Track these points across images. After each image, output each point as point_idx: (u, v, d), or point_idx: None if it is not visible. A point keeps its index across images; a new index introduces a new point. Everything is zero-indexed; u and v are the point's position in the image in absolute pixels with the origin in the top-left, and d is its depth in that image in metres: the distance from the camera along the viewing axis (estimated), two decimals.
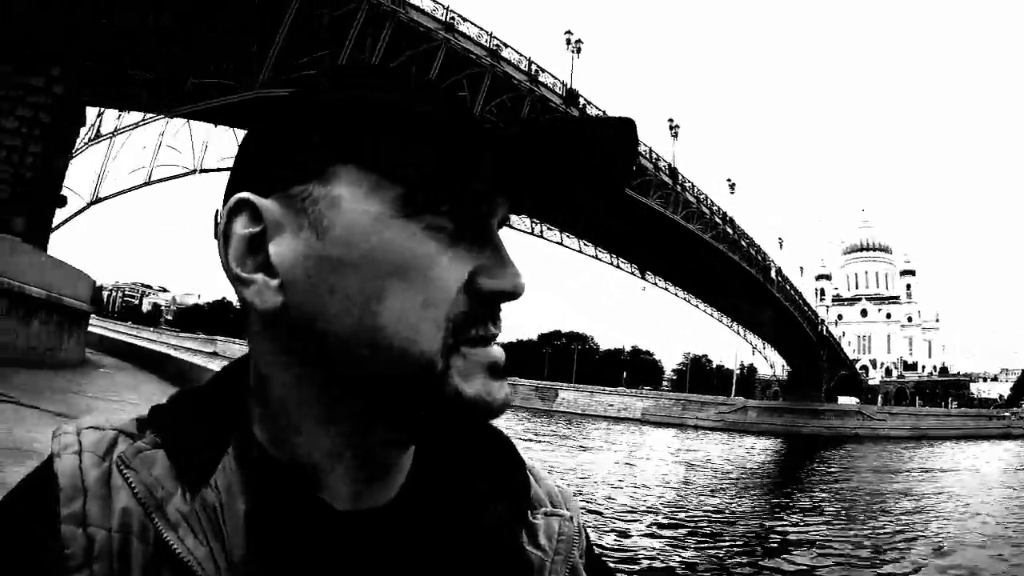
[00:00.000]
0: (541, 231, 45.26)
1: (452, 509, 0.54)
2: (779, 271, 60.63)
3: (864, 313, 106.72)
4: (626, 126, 0.46)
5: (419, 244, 0.46)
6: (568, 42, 40.80)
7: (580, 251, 49.64)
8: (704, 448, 38.04)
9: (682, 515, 13.90)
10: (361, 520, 0.50)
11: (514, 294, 0.49)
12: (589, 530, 0.64)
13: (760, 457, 35.63)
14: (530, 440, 31.65)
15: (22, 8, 18.76)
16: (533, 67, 33.86)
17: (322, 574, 0.48)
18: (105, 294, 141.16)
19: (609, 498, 15.56)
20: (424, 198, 0.47)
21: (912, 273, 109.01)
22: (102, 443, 0.49)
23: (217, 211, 0.51)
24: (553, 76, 35.76)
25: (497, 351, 0.49)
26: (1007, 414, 77.41)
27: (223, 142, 28.81)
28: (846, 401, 74.31)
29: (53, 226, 22.35)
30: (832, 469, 30.08)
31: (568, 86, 36.54)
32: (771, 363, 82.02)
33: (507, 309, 0.48)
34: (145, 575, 0.45)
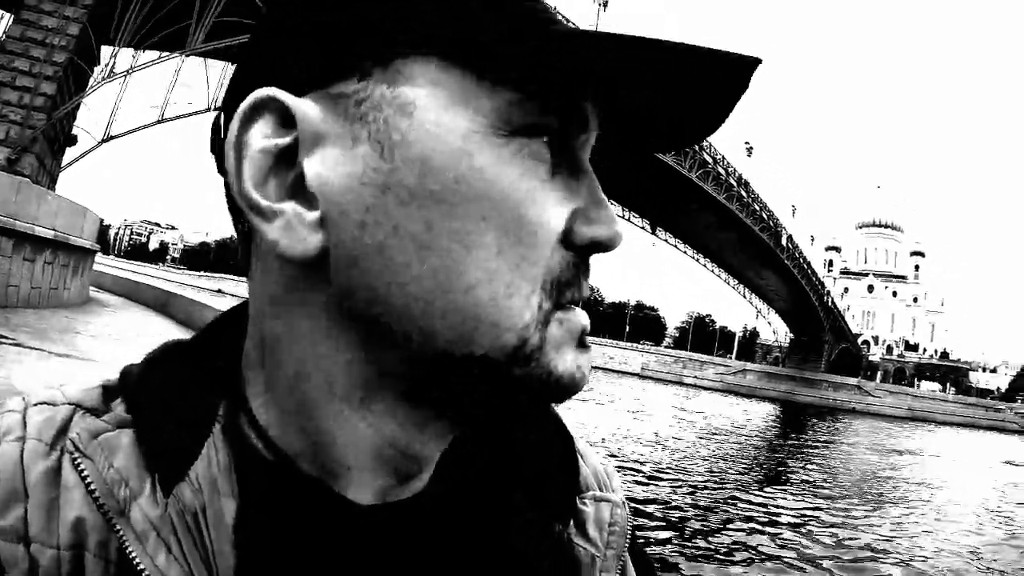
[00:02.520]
0: None
1: (489, 501, 0.45)
2: (790, 238, 60.83)
3: (871, 289, 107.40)
4: (748, 67, 0.34)
5: (520, 176, 0.36)
6: None
7: None
8: (705, 409, 38.12)
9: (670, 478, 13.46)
10: (386, 516, 0.41)
11: (611, 245, 0.39)
12: None
13: (759, 422, 35.59)
14: None
15: None
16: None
17: None
18: (113, 232, 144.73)
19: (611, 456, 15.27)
20: (529, 114, 0.35)
21: (922, 255, 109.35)
22: (52, 424, 0.37)
23: (217, 118, 0.40)
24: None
25: (585, 316, 0.40)
26: (1003, 407, 78.13)
27: None
28: (846, 378, 75.10)
29: (63, 165, 22.61)
30: (824, 440, 30.11)
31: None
32: (774, 329, 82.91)
33: None
34: None
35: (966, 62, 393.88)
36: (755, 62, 0.34)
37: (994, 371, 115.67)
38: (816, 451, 23.98)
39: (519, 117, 0.35)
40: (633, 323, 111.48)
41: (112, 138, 22.35)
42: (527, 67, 0.35)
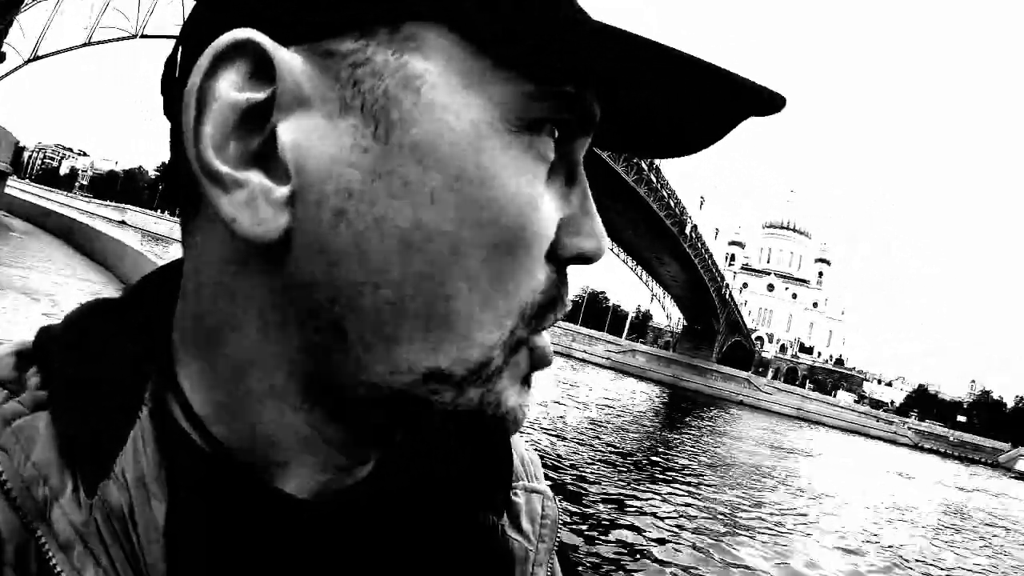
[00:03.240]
0: None
1: (429, 488, 0.42)
2: (695, 228, 62.49)
3: (771, 288, 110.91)
4: (775, 103, 0.33)
5: (524, 180, 0.32)
6: None
7: None
8: (593, 383, 38.27)
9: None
10: (328, 509, 0.37)
11: (595, 258, 0.35)
12: None
13: (647, 403, 35.62)
14: None
15: None
16: None
17: None
18: (27, 155, 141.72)
19: None
20: (544, 108, 0.31)
21: (827, 263, 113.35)
22: None
23: (173, 53, 0.34)
24: None
25: (550, 349, 0.36)
26: (896, 420, 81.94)
27: (169, 9, 28.22)
28: (737, 371, 77.63)
29: None
30: (710, 428, 30.18)
31: None
32: (668, 314, 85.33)
33: None
34: None
35: (891, 82, 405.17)
36: (782, 102, 0.32)
37: (890, 384, 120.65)
38: (702, 439, 24.02)
39: (533, 111, 0.31)
40: None
41: (39, 58, 21.73)
42: (535, 51, 0.30)
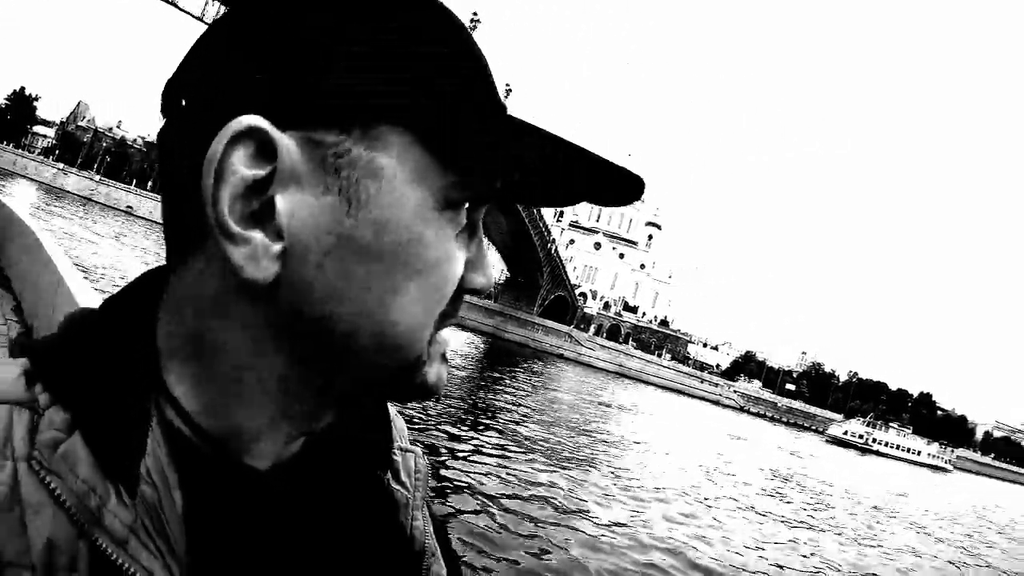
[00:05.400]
0: None
1: (338, 451, 0.53)
2: None
3: (598, 246, 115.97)
4: (637, 188, 0.46)
5: (447, 243, 0.44)
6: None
7: None
8: None
9: None
10: (278, 476, 0.47)
11: (485, 291, 0.49)
12: None
13: (466, 353, 35.97)
14: None
15: None
16: None
17: (259, 547, 0.44)
18: None
19: None
20: (465, 192, 0.44)
21: (658, 227, 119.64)
22: None
23: (172, 81, 0.43)
24: None
25: (448, 335, 0.49)
26: (721, 383, 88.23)
27: None
28: (559, 325, 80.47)
29: None
30: (531, 380, 30.84)
31: None
32: (491, 264, 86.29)
33: None
34: None
35: (735, 52, 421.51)
36: (640, 185, 0.45)
37: (716, 348, 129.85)
38: (525, 391, 24.36)
39: (457, 195, 0.43)
40: None
41: None
42: (480, 155, 0.43)
